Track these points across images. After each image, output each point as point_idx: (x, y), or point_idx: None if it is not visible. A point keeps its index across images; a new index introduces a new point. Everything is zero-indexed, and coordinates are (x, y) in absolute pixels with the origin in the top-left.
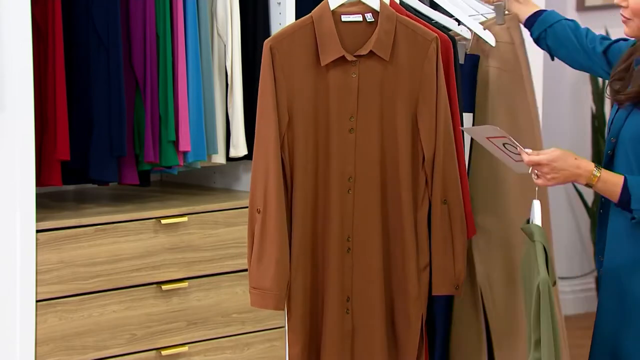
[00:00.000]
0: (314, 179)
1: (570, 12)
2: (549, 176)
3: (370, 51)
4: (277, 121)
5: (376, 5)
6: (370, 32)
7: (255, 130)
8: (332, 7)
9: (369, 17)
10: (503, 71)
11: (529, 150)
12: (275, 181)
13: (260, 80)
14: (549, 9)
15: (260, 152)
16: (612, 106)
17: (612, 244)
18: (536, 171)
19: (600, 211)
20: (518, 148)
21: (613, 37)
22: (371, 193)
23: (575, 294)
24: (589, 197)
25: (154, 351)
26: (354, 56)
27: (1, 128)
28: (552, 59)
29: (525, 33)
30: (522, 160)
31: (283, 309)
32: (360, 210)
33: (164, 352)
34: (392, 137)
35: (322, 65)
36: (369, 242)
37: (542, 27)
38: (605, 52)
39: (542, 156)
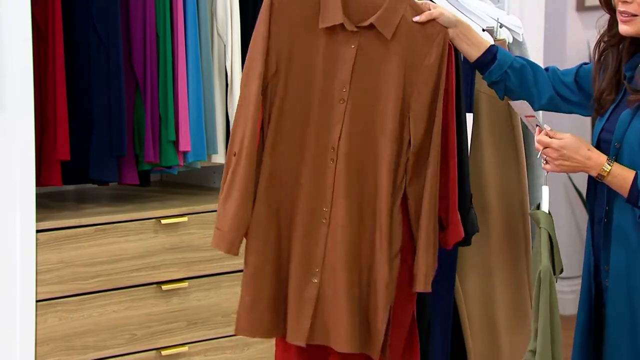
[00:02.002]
0: (291, 138)
1: (570, 12)
2: (557, 162)
3: (373, 26)
4: (263, 71)
5: None
6: (380, 8)
7: (242, 78)
8: None
9: None
10: (492, 97)
11: (547, 128)
12: (252, 128)
13: (254, 29)
14: (548, 9)
15: (243, 99)
16: (596, 118)
17: (618, 254)
18: (545, 156)
19: (604, 220)
20: (542, 127)
21: None
22: (352, 167)
23: (575, 294)
24: None
25: (154, 351)
26: (357, 27)
27: (1, 128)
28: (502, 99)
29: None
30: None
31: (236, 254)
32: (340, 182)
33: (164, 352)
34: (382, 116)
35: (320, 28)
36: (345, 215)
37: (502, 68)
38: (575, 79)
39: (554, 140)
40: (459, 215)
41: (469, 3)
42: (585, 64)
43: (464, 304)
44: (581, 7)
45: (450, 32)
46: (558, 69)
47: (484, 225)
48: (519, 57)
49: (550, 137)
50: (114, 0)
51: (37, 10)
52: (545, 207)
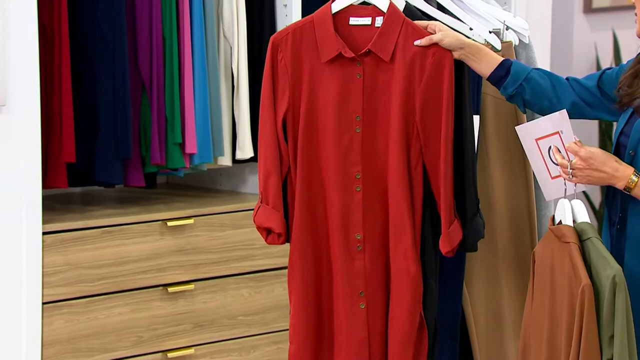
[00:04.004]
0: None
1: (577, 14)
2: (582, 173)
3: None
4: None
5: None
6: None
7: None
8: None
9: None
10: (498, 99)
11: (576, 138)
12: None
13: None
14: (555, 11)
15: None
16: (620, 112)
17: (631, 260)
18: (570, 170)
19: (617, 226)
20: (572, 138)
21: (621, 39)
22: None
23: None
24: (596, 199)
25: (160, 353)
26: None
27: (7, 130)
28: (524, 112)
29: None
30: (557, 177)
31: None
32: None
33: (170, 355)
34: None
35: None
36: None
37: (517, 81)
38: (598, 84)
39: (582, 149)
40: (459, 221)
41: (475, 5)
42: (609, 69)
43: (470, 309)
44: (588, 9)
45: (456, 54)
46: (578, 78)
47: (491, 229)
48: (537, 69)
49: (578, 147)
50: (120, 2)
51: (43, 12)
52: (584, 217)
